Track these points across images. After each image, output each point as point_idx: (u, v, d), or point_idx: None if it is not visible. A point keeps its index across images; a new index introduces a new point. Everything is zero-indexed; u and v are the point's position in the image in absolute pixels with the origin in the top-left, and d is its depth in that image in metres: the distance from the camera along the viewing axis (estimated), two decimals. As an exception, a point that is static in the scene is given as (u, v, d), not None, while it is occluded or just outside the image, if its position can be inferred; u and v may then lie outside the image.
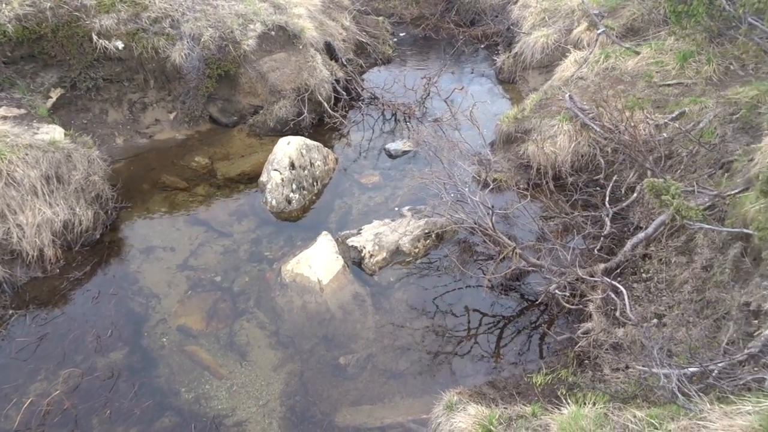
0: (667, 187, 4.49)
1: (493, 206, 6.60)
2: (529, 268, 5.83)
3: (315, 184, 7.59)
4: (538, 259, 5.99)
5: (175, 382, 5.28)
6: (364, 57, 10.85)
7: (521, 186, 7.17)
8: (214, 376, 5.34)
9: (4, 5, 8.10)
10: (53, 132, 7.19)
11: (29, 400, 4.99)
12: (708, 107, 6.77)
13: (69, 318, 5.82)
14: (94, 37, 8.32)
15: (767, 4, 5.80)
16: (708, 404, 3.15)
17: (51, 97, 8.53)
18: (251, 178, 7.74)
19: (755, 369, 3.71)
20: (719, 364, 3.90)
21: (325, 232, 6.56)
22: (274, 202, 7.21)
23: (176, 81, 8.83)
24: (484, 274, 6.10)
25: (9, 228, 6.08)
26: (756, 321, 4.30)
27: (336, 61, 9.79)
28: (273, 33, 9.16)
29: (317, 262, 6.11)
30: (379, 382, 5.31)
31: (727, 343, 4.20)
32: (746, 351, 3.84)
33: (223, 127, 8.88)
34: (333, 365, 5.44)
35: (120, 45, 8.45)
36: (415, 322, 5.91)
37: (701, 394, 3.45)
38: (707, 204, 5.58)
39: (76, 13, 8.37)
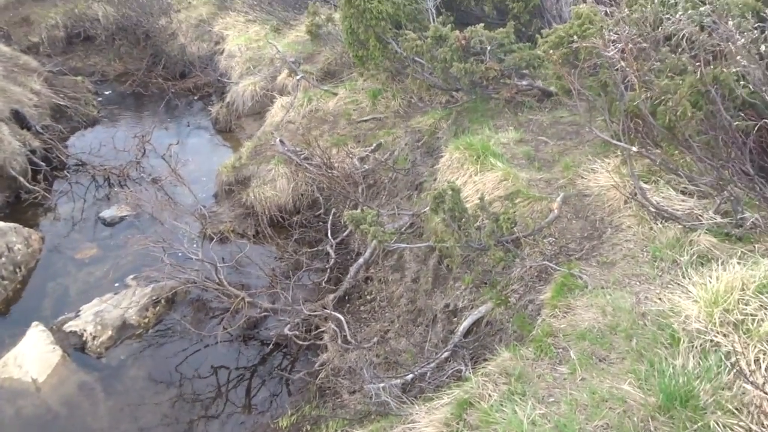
0: (365, 216, 4.96)
1: (223, 259, 6.59)
2: (265, 314, 5.92)
3: (18, 270, 6.69)
4: (273, 302, 6.11)
5: None
6: (65, 121, 9.97)
7: (248, 233, 7.26)
8: None
9: None
10: None
11: None
12: (399, 137, 7.67)
13: None
14: None
15: (422, 48, 6.80)
16: (417, 407, 3.52)
17: None
18: (-67, 280, 6.53)
19: (456, 362, 4.27)
20: (430, 365, 4.40)
21: (35, 323, 5.82)
22: (-34, 302, 6.19)
23: None
24: (225, 329, 6.00)
25: None
26: (455, 318, 4.96)
27: (29, 129, 8.84)
28: (-61, 106, 7.94)
29: (29, 360, 5.39)
30: (121, 474, 4.86)
31: (436, 345, 4.77)
32: (448, 347, 4.40)
33: None
34: (63, 472, 4.83)
35: None
36: (158, 395, 5.55)
37: (415, 398, 3.84)
38: (408, 223, 6.31)
39: None
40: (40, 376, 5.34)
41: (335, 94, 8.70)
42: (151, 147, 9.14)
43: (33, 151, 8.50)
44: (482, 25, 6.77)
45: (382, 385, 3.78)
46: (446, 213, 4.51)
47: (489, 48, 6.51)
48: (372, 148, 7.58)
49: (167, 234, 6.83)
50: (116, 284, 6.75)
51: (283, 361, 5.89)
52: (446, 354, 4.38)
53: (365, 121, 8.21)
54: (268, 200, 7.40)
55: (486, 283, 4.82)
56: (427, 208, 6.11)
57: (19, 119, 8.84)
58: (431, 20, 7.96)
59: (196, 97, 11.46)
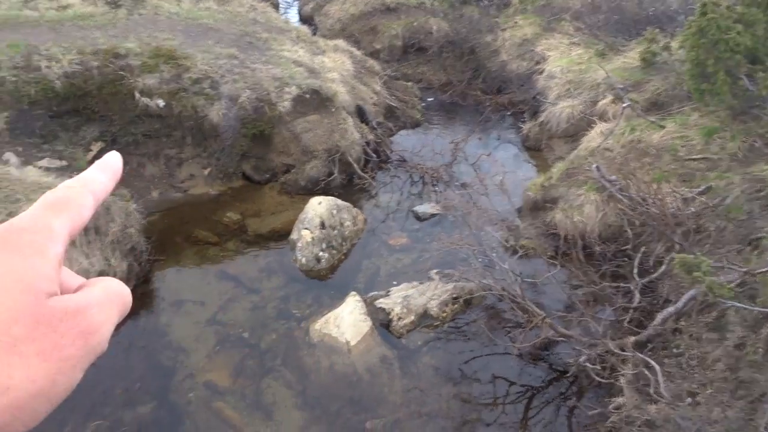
0: (698, 263, 4.54)
1: (521, 273, 6.68)
2: (558, 338, 5.83)
3: (344, 243, 7.71)
4: (566, 329, 5.99)
5: (201, 440, 5.28)
6: (394, 120, 11.15)
7: (549, 254, 7.22)
8: (240, 435, 5.34)
9: (54, 63, 8.57)
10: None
11: (57, 452, 5.01)
12: (734, 183, 6.86)
13: (99, 369, 5.88)
14: (137, 95, 8.72)
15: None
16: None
17: (91, 150, 8.86)
18: (281, 236, 7.89)
19: (796, 455, 3.66)
20: (758, 448, 3.84)
21: (353, 293, 6.63)
22: (303, 260, 7.33)
23: (212, 138, 9.14)
24: (512, 342, 6.10)
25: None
26: (793, 404, 4.26)
27: (366, 124, 10.09)
28: (307, 96, 9.51)
29: (345, 323, 6.16)
30: (406, 449, 5.26)
31: (765, 427, 4.15)
32: (786, 436, 3.79)
33: (255, 184, 9.11)
34: (359, 429, 5.41)
35: (161, 103, 8.82)
36: (442, 388, 5.89)
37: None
38: (737, 281, 5.59)
39: (121, 72, 8.81)
40: (352, 340, 6.06)
41: (662, 127, 8.15)
42: (463, 154, 9.71)
43: (367, 143, 9.69)
44: None
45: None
46: (813, 281, 3.88)
47: None
48: (700, 190, 6.91)
49: (471, 239, 7.19)
50: (422, 272, 7.32)
51: (567, 392, 5.76)
52: (781, 441, 3.78)
53: (694, 159, 7.52)
54: (574, 225, 7.27)
55: None
56: (767, 268, 5.37)
57: (360, 114, 10.15)
58: (801, 58, 6.96)
59: (509, 113, 11.82)
